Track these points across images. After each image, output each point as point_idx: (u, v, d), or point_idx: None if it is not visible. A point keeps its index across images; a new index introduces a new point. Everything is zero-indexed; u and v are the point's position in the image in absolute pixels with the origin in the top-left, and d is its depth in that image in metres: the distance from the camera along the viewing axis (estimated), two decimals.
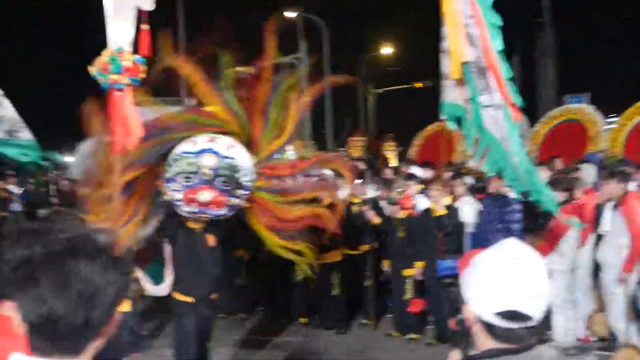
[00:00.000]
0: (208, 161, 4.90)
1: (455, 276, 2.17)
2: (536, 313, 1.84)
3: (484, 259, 1.93)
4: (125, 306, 3.50)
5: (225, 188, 4.92)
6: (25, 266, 1.46)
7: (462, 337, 2.11)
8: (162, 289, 5.49)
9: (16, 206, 16.57)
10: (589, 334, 7.20)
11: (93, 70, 3.64)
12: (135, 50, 3.75)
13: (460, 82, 6.39)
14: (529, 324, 1.84)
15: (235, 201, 5.02)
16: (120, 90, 3.68)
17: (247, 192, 5.06)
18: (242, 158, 5.03)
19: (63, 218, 3.47)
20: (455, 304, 2.10)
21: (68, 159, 26.50)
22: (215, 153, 4.99)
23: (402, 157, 23.44)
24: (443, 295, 7.36)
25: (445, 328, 7.62)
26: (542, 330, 1.92)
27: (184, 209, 5.04)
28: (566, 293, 7.09)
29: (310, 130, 27.16)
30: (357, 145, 29.57)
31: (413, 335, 8.09)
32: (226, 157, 5.00)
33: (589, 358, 1.90)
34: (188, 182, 4.87)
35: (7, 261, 1.47)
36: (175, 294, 5.70)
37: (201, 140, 5.00)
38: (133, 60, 3.65)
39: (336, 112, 30.31)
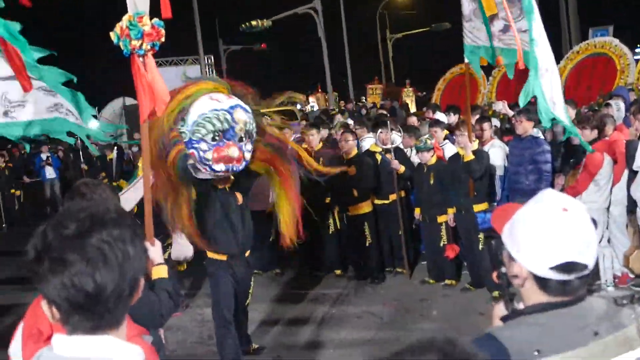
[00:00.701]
0: (242, 116, 5.12)
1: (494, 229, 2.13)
2: (590, 261, 1.83)
3: (528, 214, 1.89)
4: (163, 272, 3.53)
5: (241, 143, 5.14)
6: (50, 251, 1.46)
7: (505, 291, 2.08)
8: (188, 250, 5.60)
9: (50, 171, 16.98)
10: (627, 271, 7.17)
11: (113, 37, 3.59)
12: (153, 14, 3.69)
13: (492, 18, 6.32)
14: (584, 272, 1.82)
15: (248, 155, 5.23)
16: (143, 56, 3.62)
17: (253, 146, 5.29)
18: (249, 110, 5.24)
19: (92, 190, 3.46)
20: (496, 257, 2.08)
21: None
22: (244, 109, 5.19)
23: (425, 102, 23.28)
24: (483, 246, 7.36)
25: (480, 273, 7.65)
26: (592, 279, 1.89)
27: (213, 168, 5.12)
28: (602, 231, 7.03)
29: (331, 80, 27.00)
30: (374, 93, 29.43)
31: (448, 281, 8.12)
32: (247, 111, 5.24)
33: None
34: (215, 140, 5.03)
35: (26, 252, 1.49)
36: (209, 253, 5.79)
37: (224, 98, 5.18)
38: (152, 25, 3.59)
39: (355, 61, 29.99)
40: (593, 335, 1.80)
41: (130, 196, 5.69)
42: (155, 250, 3.63)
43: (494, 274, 2.11)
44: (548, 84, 5.89)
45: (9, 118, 4.23)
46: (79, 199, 3.41)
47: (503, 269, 2.03)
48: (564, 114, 6.07)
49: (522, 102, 5.79)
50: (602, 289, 6.61)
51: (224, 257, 5.75)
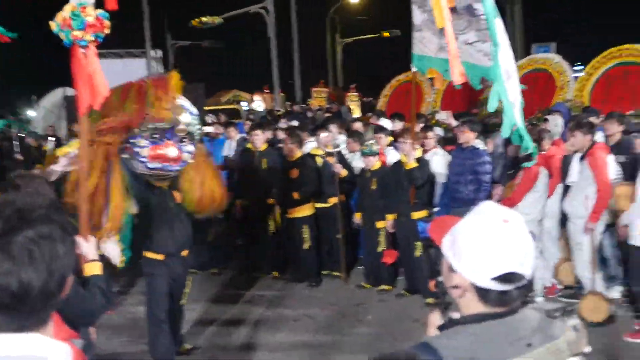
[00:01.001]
0: (185, 118, 5.12)
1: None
2: (528, 271, 1.86)
3: (469, 226, 1.91)
4: (96, 269, 3.44)
5: (182, 144, 5.14)
6: None
7: (441, 299, 2.11)
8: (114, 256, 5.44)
9: None
10: (556, 282, 7.39)
11: (54, 26, 3.48)
12: (98, 5, 3.60)
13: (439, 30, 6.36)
14: (522, 282, 1.86)
15: (187, 157, 5.22)
16: (84, 47, 3.53)
17: (194, 148, 5.29)
18: (194, 112, 5.27)
19: (27, 182, 3.36)
20: (435, 265, 2.11)
21: (30, 113, 26.09)
22: (189, 111, 5.20)
23: (370, 108, 23.44)
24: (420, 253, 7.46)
25: (416, 280, 7.74)
26: (528, 290, 1.93)
27: (147, 166, 5.10)
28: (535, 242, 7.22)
29: (279, 81, 26.95)
30: (319, 96, 29.55)
31: (384, 287, 8.18)
32: (192, 113, 5.26)
33: (572, 320, 1.93)
34: (154, 138, 5.02)
35: None
36: (145, 253, 5.66)
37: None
38: (96, 16, 3.50)
39: (304, 63, 30.01)
40: (526, 346, 1.84)
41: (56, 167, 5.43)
42: (89, 247, 3.55)
43: (431, 283, 2.14)
44: (511, 89, 5.98)
45: None
46: (13, 192, 3.30)
47: (440, 278, 2.05)
48: (521, 120, 6.12)
49: (491, 107, 5.82)
50: (533, 300, 6.80)
51: (160, 257, 5.63)
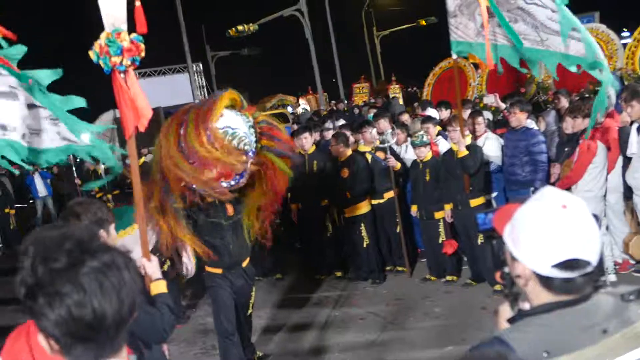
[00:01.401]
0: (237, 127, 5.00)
1: (494, 228, 2.10)
2: (593, 257, 1.80)
3: (528, 213, 1.86)
4: (162, 287, 3.49)
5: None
6: (43, 287, 1.43)
7: (509, 290, 2.05)
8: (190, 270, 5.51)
9: (41, 189, 16.82)
10: (627, 258, 7.14)
11: (93, 55, 3.55)
12: (131, 29, 3.65)
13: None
14: (588, 269, 1.80)
15: (247, 166, 5.09)
16: (123, 72, 3.58)
17: (251, 157, 5.09)
18: (236, 123, 5.03)
19: (86, 209, 3.41)
20: (499, 257, 2.05)
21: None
22: (234, 125, 5.04)
23: (414, 98, 23.22)
24: (484, 247, 7.34)
25: (480, 268, 7.62)
26: (598, 275, 1.86)
27: (197, 189, 5.08)
28: (600, 219, 7.00)
29: (320, 81, 26.98)
30: (361, 92, 29.46)
31: (449, 277, 8.08)
32: (248, 122, 5.12)
33: None
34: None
35: (20, 282, 1.45)
36: (206, 267, 5.73)
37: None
38: (131, 40, 3.55)
39: (345, 60, 29.98)
40: (602, 333, 1.78)
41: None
42: (152, 266, 3.60)
43: (497, 274, 2.09)
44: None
45: (25, 142, 4.20)
46: (74, 220, 3.36)
47: (506, 269, 2.01)
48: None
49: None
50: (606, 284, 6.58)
51: (219, 271, 5.67)
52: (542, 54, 6.20)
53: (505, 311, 2.11)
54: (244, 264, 5.78)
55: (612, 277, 6.84)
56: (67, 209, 3.50)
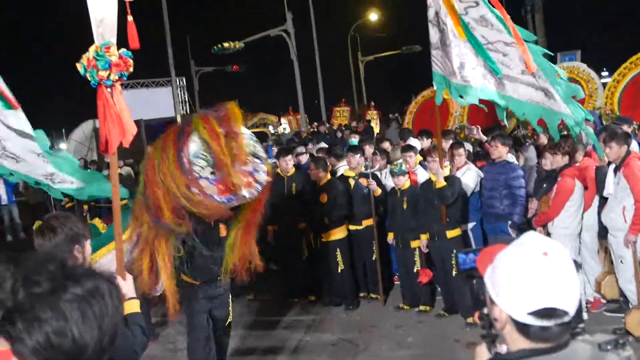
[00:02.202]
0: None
1: (475, 268, 2.10)
2: (571, 307, 1.79)
3: (508, 257, 1.85)
4: (135, 307, 3.43)
5: (246, 167, 4.72)
6: (23, 312, 1.38)
7: (488, 332, 2.04)
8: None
9: (3, 197, 16.19)
10: (599, 297, 7.19)
11: (80, 68, 3.52)
12: (121, 44, 3.63)
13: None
14: (565, 319, 1.78)
15: (262, 177, 4.84)
16: (110, 86, 3.55)
17: (265, 166, 4.90)
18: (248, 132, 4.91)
19: (62, 223, 3.35)
20: (478, 297, 2.04)
21: (62, 146, 26.52)
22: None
23: (393, 123, 23.26)
24: (459, 278, 7.36)
25: (454, 299, 7.62)
26: (575, 324, 1.85)
27: (218, 200, 4.72)
28: (574, 257, 7.05)
29: (303, 102, 27.05)
30: (341, 115, 29.60)
31: (423, 307, 8.06)
32: (244, 133, 4.87)
33: (626, 352, 1.84)
34: (214, 174, 4.62)
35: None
36: (183, 276, 5.58)
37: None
38: (120, 55, 3.52)
39: (328, 83, 30.13)
40: None
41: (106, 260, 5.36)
42: (126, 285, 3.54)
43: (476, 315, 2.07)
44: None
45: None
46: (50, 234, 3.30)
47: (485, 310, 1.99)
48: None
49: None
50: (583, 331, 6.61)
51: (197, 282, 5.63)
52: (522, 106, 6.47)
53: (483, 353, 2.09)
54: (220, 278, 5.70)
55: (583, 316, 6.88)
56: (43, 223, 3.44)
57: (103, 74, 3.48)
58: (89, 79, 3.54)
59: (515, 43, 6.31)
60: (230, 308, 5.91)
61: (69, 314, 1.38)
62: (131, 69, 3.61)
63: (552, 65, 6.47)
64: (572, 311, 1.79)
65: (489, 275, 1.93)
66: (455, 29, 6.59)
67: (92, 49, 3.51)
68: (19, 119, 4.71)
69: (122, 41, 3.68)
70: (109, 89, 3.57)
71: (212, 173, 4.62)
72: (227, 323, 5.92)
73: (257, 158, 4.86)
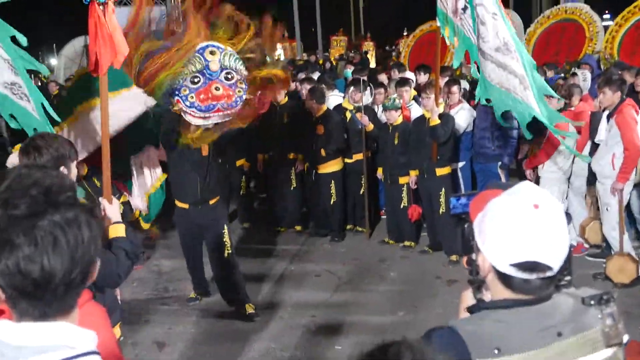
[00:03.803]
0: (213, 53, 5.30)
1: (466, 213, 2.08)
2: (556, 262, 1.76)
3: (498, 206, 1.82)
4: (120, 231, 3.42)
5: (229, 82, 5.27)
6: None
7: (474, 278, 2.04)
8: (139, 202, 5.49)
9: None
10: (582, 241, 7.28)
11: None
12: None
13: None
14: (548, 274, 1.76)
15: (240, 93, 5.32)
16: (103, 4, 3.44)
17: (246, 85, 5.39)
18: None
19: (48, 143, 3.27)
20: (468, 242, 2.02)
21: (52, 61, 26.05)
22: (216, 47, 5.35)
23: (390, 57, 22.98)
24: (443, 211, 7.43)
25: (439, 237, 7.69)
26: (560, 277, 1.84)
27: (201, 109, 5.21)
28: (561, 201, 7.09)
29: (299, 29, 26.60)
30: (339, 45, 29.16)
31: (407, 243, 8.14)
32: (224, 49, 5.39)
33: (609, 309, 1.86)
34: (196, 84, 5.21)
35: None
36: (176, 201, 6.19)
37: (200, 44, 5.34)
38: None
39: (326, 11, 29.54)
40: (556, 335, 1.76)
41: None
42: (112, 209, 3.52)
43: (464, 260, 2.06)
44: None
45: None
46: (35, 153, 3.24)
47: (473, 256, 1.98)
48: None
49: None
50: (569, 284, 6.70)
51: (185, 206, 6.10)
52: (491, 90, 6.22)
53: (468, 297, 2.10)
54: (212, 202, 6.11)
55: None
56: (28, 142, 3.37)
57: None
58: None
59: (497, 15, 5.75)
60: (225, 233, 6.21)
61: (40, 240, 1.35)
62: None
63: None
64: (556, 266, 1.76)
65: (478, 221, 1.90)
66: None
67: None
68: None
69: None
70: (101, 7, 3.46)
71: (192, 82, 5.19)
72: (227, 250, 6.23)
73: (237, 74, 5.34)
